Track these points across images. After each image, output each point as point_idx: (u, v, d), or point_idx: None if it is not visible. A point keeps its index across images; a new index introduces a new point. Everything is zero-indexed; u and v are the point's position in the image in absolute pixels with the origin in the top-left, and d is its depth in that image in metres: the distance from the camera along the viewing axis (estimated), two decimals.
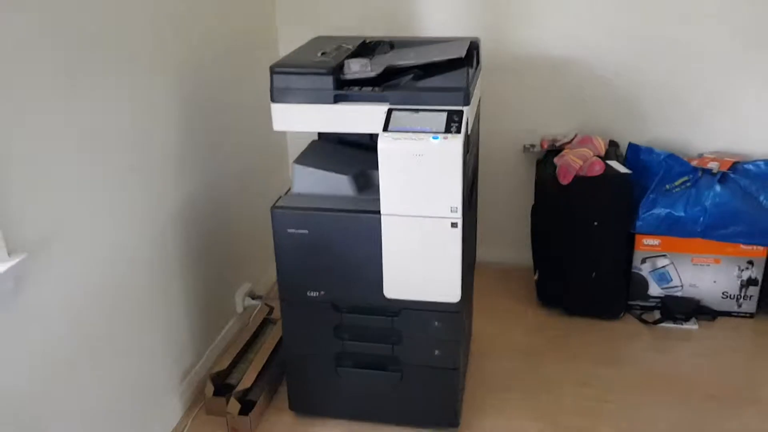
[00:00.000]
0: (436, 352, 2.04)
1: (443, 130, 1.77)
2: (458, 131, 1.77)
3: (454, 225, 1.84)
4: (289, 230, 1.95)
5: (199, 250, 2.33)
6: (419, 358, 2.06)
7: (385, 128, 1.81)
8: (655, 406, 2.29)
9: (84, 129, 1.70)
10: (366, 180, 2.04)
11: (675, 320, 2.71)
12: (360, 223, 1.91)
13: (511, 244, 3.13)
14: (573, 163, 2.56)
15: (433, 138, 1.76)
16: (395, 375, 2.10)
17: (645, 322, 2.74)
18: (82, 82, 1.68)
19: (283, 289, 2.06)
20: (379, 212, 1.88)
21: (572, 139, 2.79)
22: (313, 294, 2.04)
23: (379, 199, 1.89)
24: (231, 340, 2.61)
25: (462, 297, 1.97)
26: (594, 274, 2.67)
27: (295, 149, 3.14)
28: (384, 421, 2.20)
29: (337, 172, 2.01)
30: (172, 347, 2.22)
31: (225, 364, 2.32)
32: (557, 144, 2.83)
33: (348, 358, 2.13)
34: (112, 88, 1.81)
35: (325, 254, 1.97)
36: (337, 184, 2.01)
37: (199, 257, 2.34)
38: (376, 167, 1.98)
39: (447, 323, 2.00)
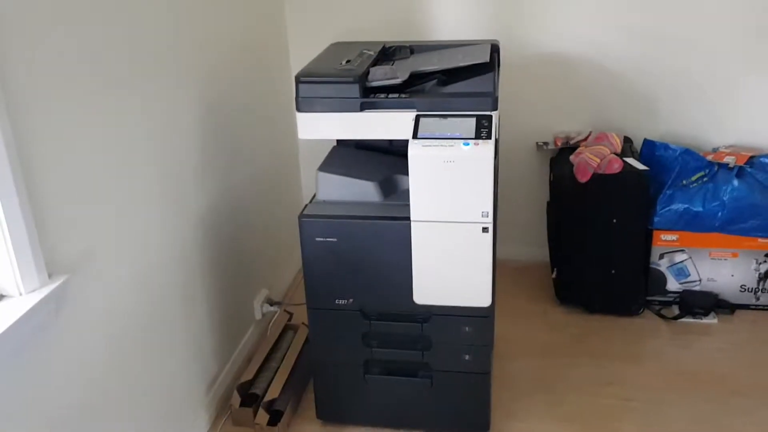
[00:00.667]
0: (467, 357, 2.04)
1: (473, 135, 1.76)
2: (488, 137, 1.76)
3: (485, 230, 1.84)
4: (318, 239, 1.94)
5: (218, 259, 2.31)
6: (449, 363, 2.06)
7: (415, 135, 1.79)
8: (681, 403, 2.29)
9: (112, 143, 1.68)
10: (391, 185, 2.03)
11: (694, 315, 2.72)
12: (390, 230, 1.90)
13: (524, 241, 3.13)
14: (590, 161, 2.56)
15: (464, 144, 1.75)
16: (425, 381, 2.09)
17: (664, 317, 2.74)
18: (110, 96, 1.66)
19: (310, 297, 2.05)
20: (408, 218, 1.87)
21: (587, 137, 2.79)
22: (342, 301, 2.02)
23: (405, 205, 1.88)
24: (252, 349, 2.60)
25: (491, 301, 1.96)
26: (613, 271, 2.68)
27: (307, 154, 3.15)
28: (413, 427, 2.18)
29: (363, 178, 2.00)
30: (197, 358, 2.20)
31: (251, 373, 2.31)
32: (571, 141, 2.83)
33: (376, 366, 2.12)
34: (137, 101, 1.79)
35: (354, 261, 1.96)
36: (363, 190, 1.99)
37: (219, 266, 2.32)
38: (400, 172, 1.99)
39: (477, 328, 2.00)
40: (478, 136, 1.76)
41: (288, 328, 2.62)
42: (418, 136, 1.79)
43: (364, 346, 2.08)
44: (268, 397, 2.21)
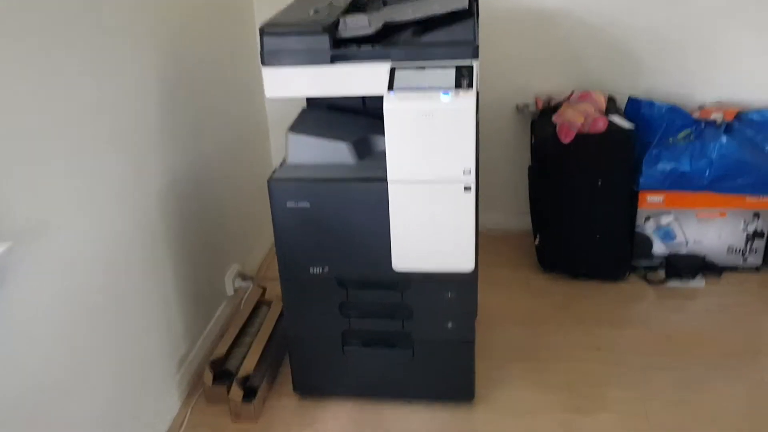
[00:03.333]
0: (450, 324, 1.94)
1: (453, 86, 1.65)
2: (470, 86, 1.64)
3: (467, 189, 1.73)
4: (289, 204, 1.81)
5: (186, 232, 2.18)
6: (432, 332, 1.96)
7: (390, 87, 1.67)
8: (669, 367, 2.22)
9: (63, 108, 1.53)
10: (365, 146, 1.91)
11: (681, 278, 2.65)
12: (365, 193, 1.79)
13: (505, 207, 3.04)
14: (574, 120, 2.46)
15: (444, 94, 1.63)
16: (406, 352, 1.99)
17: (650, 282, 2.67)
18: (58, 59, 1.51)
19: (283, 267, 1.93)
20: (385, 179, 1.75)
21: (570, 96, 2.68)
22: (316, 270, 1.91)
23: (380, 166, 1.77)
24: (224, 325, 2.48)
25: (475, 265, 1.86)
26: (598, 235, 2.59)
27: (276, 119, 3.01)
28: (394, 398, 2.10)
29: (335, 139, 1.88)
30: (165, 335, 2.08)
31: (223, 350, 2.19)
32: (553, 102, 2.72)
33: (355, 337, 2.02)
34: (90, 62, 1.64)
35: (328, 227, 1.84)
36: (335, 152, 1.87)
37: (186, 239, 2.19)
38: (375, 132, 1.87)
39: (460, 294, 1.90)
40: (458, 87, 1.64)
41: (261, 304, 2.51)
42: (394, 88, 1.67)
43: (341, 317, 1.98)
44: (242, 373, 2.10)
